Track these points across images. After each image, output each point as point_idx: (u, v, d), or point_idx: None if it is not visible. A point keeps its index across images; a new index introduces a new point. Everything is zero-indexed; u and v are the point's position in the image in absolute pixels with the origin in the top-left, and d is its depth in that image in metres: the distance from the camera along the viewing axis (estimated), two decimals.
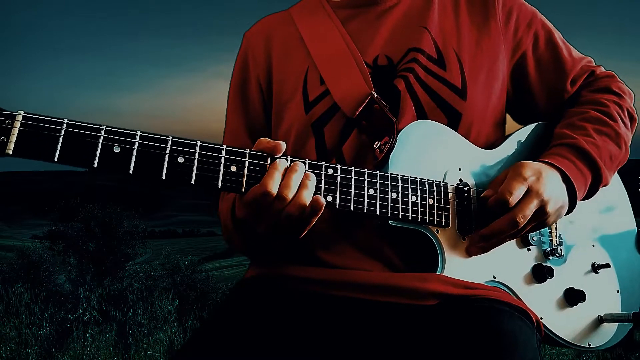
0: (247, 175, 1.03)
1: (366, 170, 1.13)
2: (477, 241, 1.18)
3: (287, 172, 1.04)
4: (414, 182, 1.16)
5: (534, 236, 1.27)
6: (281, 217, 1.05)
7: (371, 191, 1.12)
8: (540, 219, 1.18)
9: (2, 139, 0.89)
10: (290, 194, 1.02)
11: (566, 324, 1.28)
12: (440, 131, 1.24)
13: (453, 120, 1.26)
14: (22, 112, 0.91)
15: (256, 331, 1.15)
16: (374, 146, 1.21)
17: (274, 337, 1.14)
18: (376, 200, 1.12)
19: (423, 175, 1.18)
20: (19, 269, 14.21)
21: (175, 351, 1.75)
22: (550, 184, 1.17)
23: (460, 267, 1.18)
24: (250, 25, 1.48)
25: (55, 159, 0.92)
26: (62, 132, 0.92)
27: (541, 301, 1.25)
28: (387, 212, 1.13)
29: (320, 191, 1.07)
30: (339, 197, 1.09)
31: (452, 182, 1.21)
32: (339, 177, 1.09)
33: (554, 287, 1.28)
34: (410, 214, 1.14)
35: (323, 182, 1.08)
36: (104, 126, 0.95)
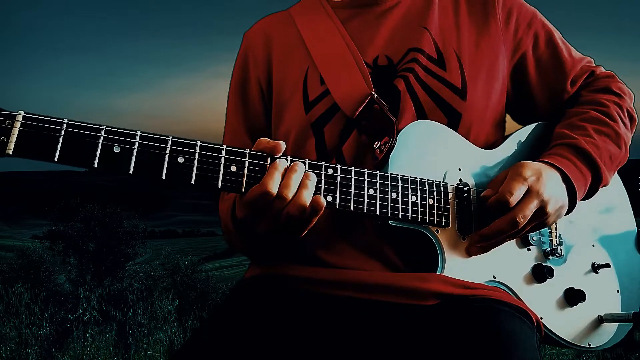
0: (247, 175, 1.03)
1: (366, 170, 1.13)
2: (477, 241, 1.18)
3: (287, 172, 1.04)
4: (413, 182, 1.16)
5: (534, 236, 1.27)
6: (281, 217, 1.05)
7: (371, 191, 1.12)
8: (540, 219, 1.18)
9: (2, 139, 0.89)
10: (290, 193, 1.02)
11: (566, 324, 1.28)
12: (440, 131, 1.24)
13: (453, 120, 1.26)
14: (22, 112, 0.91)
15: (256, 331, 1.16)
16: (374, 146, 1.21)
17: (273, 337, 1.14)
18: (376, 200, 1.12)
19: (423, 175, 1.18)
20: (19, 269, 14.21)
21: (175, 351, 1.75)
22: (550, 184, 1.17)
23: (460, 267, 1.18)
24: (250, 25, 1.48)
25: (56, 159, 0.92)
26: (63, 132, 0.92)
27: (541, 301, 1.25)
28: (387, 212, 1.13)
29: (320, 191, 1.07)
30: (339, 197, 1.09)
31: (452, 182, 1.21)
32: (338, 177, 1.09)
33: (554, 287, 1.28)
34: (410, 214, 1.14)
35: (323, 182, 1.08)
36: (104, 126, 0.95)
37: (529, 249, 1.27)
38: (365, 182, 1.12)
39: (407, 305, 1.14)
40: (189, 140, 1.00)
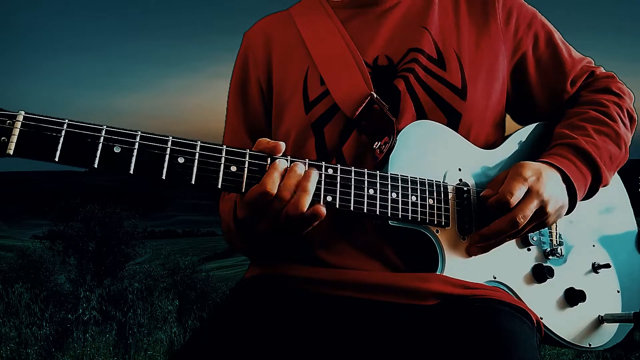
0: (247, 175, 1.03)
1: (366, 170, 1.13)
2: (477, 241, 1.18)
3: (286, 173, 1.04)
4: (413, 182, 1.16)
5: (534, 236, 1.27)
6: (280, 217, 1.05)
7: (371, 191, 1.12)
8: (541, 219, 1.18)
9: (3, 139, 0.89)
10: (288, 195, 1.03)
11: (566, 324, 1.28)
12: (440, 131, 1.24)
13: (453, 120, 1.26)
14: (22, 113, 0.91)
15: (256, 331, 1.16)
16: (374, 146, 1.21)
17: (273, 337, 1.15)
18: (376, 200, 1.12)
19: (423, 176, 1.18)
20: (19, 269, 14.21)
21: (175, 351, 1.75)
22: (550, 184, 1.17)
23: (460, 267, 1.18)
24: (250, 25, 1.48)
25: (56, 159, 0.92)
26: (63, 133, 0.92)
27: (541, 301, 1.25)
28: (387, 212, 1.13)
29: (320, 191, 1.07)
30: (339, 197, 1.09)
31: (452, 182, 1.21)
32: (338, 177, 1.09)
33: (554, 287, 1.28)
34: (410, 214, 1.14)
35: (323, 182, 1.08)
36: (105, 126, 0.95)
37: (529, 249, 1.27)
38: (365, 182, 1.12)
39: (407, 305, 1.14)
40: (189, 140, 1.00)
